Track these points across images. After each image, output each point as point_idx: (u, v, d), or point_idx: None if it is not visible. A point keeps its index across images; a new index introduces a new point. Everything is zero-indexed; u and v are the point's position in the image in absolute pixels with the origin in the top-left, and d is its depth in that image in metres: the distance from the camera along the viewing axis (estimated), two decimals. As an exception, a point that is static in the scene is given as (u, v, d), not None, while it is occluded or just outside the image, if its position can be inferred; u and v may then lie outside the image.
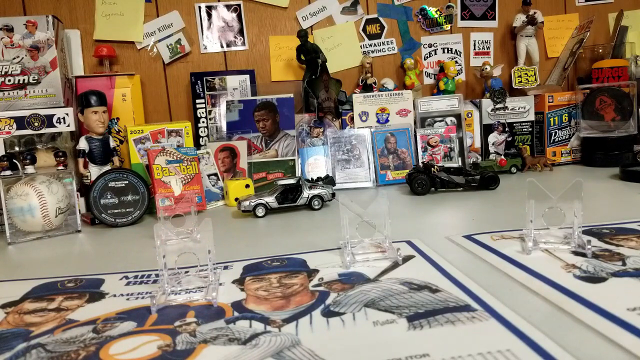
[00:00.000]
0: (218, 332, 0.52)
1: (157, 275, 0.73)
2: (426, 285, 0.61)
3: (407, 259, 0.72)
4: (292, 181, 1.16)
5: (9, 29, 1.31)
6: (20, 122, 1.21)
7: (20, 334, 0.55)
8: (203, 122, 1.56)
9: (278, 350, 0.47)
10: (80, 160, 1.27)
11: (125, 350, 0.49)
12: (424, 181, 1.23)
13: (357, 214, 0.89)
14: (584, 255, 0.68)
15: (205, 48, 1.65)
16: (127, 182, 1.16)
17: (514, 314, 0.51)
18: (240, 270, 0.73)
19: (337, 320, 0.53)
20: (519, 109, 1.55)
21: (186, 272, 0.72)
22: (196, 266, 0.74)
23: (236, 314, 0.57)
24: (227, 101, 1.49)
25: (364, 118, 1.53)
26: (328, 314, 0.55)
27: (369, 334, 0.49)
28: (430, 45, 1.77)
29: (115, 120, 1.46)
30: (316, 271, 0.70)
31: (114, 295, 0.66)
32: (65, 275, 0.77)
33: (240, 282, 0.68)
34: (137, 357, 0.48)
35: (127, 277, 0.74)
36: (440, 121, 1.52)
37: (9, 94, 1.31)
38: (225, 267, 0.75)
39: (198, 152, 1.33)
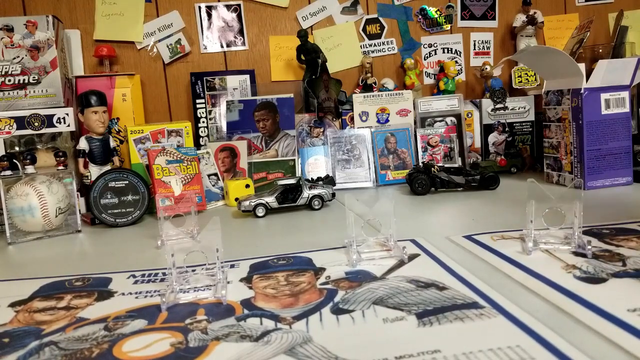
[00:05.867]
0: (229, 330, 0.52)
1: (164, 274, 0.73)
2: (433, 283, 0.62)
3: (412, 257, 0.73)
4: (292, 181, 1.16)
5: (9, 29, 1.30)
6: (20, 122, 1.21)
7: (31, 332, 0.55)
8: (203, 122, 1.56)
9: (290, 347, 0.47)
10: (81, 160, 1.26)
11: (138, 347, 0.49)
12: (424, 181, 1.24)
13: (362, 214, 0.89)
14: (584, 255, 0.68)
15: (205, 48, 1.65)
16: (127, 182, 1.16)
17: (522, 311, 0.52)
18: (246, 268, 0.73)
19: (346, 317, 0.53)
20: (519, 109, 1.56)
21: (193, 270, 0.72)
22: (203, 265, 0.74)
23: (246, 311, 0.57)
24: (227, 101, 1.49)
25: (364, 118, 1.53)
26: (337, 311, 0.55)
27: (380, 331, 0.50)
28: (430, 45, 1.77)
29: (116, 120, 1.46)
30: (323, 269, 0.70)
31: (123, 294, 0.66)
32: (71, 274, 0.77)
33: (247, 280, 0.68)
34: (150, 354, 0.48)
35: (134, 276, 0.74)
36: (440, 121, 1.53)
37: (9, 94, 1.31)
38: (232, 266, 0.75)
39: (198, 152, 1.33)
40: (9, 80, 1.31)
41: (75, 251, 0.95)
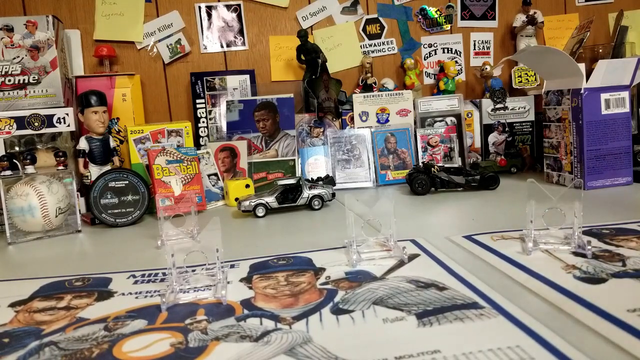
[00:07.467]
0: (229, 330, 0.52)
1: (164, 274, 0.73)
2: (433, 283, 0.62)
3: (412, 257, 0.73)
4: (292, 181, 1.16)
5: (9, 29, 1.30)
6: (21, 122, 1.21)
7: (31, 332, 0.55)
8: (203, 122, 1.56)
9: (290, 347, 0.47)
10: (81, 160, 1.26)
11: (138, 347, 0.49)
12: (424, 181, 1.24)
13: (362, 214, 0.89)
14: (584, 255, 0.68)
15: (205, 48, 1.65)
16: (127, 182, 1.16)
17: (522, 312, 0.52)
18: (246, 268, 0.73)
19: (346, 317, 0.53)
20: (519, 109, 1.56)
21: (193, 270, 0.72)
22: (203, 265, 0.74)
23: (246, 311, 0.57)
24: (227, 101, 1.49)
25: (364, 118, 1.53)
26: (337, 311, 0.55)
27: (379, 331, 0.50)
28: (430, 45, 1.77)
29: (116, 120, 1.46)
30: (323, 269, 0.70)
31: (123, 294, 0.66)
32: (71, 274, 0.77)
33: (247, 280, 0.68)
34: (150, 354, 0.48)
35: (134, 276, 0.74)
36: (440, 121, 1.53)
37: (9, 94, 1.31)
38: (232, 266, 0.75)
39: (198, 152, 1.33)
40: (9, 80, 1.31)
41: (75, 251, 0.95)
